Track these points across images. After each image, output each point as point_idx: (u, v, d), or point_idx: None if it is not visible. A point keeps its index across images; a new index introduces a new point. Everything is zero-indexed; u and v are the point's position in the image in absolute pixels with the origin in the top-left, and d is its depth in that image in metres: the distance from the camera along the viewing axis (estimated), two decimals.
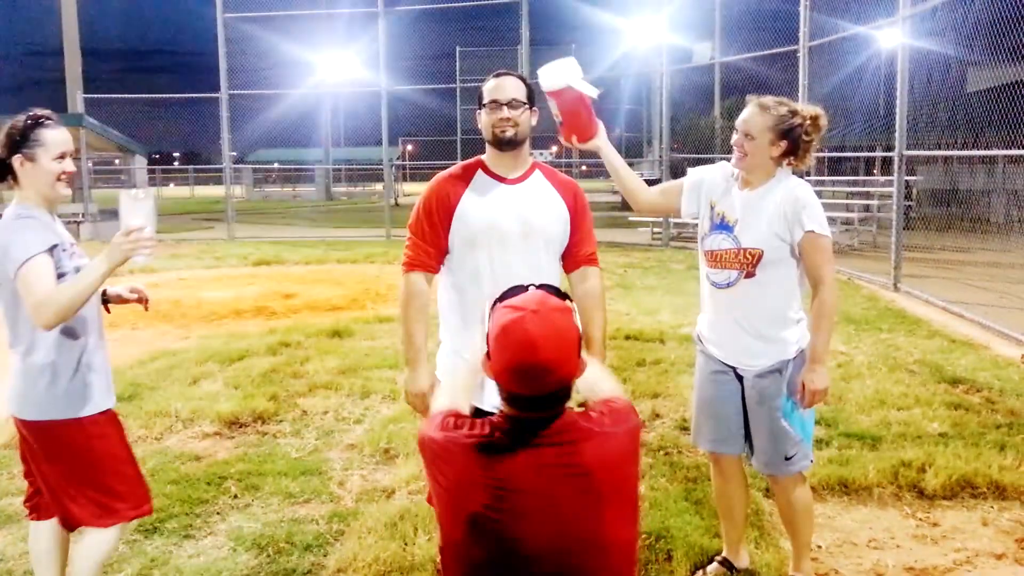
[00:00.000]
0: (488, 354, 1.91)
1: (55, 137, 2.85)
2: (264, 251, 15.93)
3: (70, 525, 3.01)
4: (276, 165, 52.44)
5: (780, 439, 3.18)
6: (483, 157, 3.05)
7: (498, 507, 1.86)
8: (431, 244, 2.98)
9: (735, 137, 3.15)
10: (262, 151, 50.92)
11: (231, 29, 19.74)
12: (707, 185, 3.29)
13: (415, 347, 2.97)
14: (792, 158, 3.15)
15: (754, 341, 3.17)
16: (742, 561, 3.51)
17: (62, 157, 2.85)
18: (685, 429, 5.21)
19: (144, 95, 21.83)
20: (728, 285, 3.18)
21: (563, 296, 1.95)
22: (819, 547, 3.76)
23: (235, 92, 19.95)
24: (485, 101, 2.96)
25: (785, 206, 3.08)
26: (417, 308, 2.97)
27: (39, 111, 2.88)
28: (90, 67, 26.40)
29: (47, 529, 3.07)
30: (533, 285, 1.97)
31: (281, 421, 5.49)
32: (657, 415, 5.51)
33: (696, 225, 3.38)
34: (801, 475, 3.31)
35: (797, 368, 3.16)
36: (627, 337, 7.73)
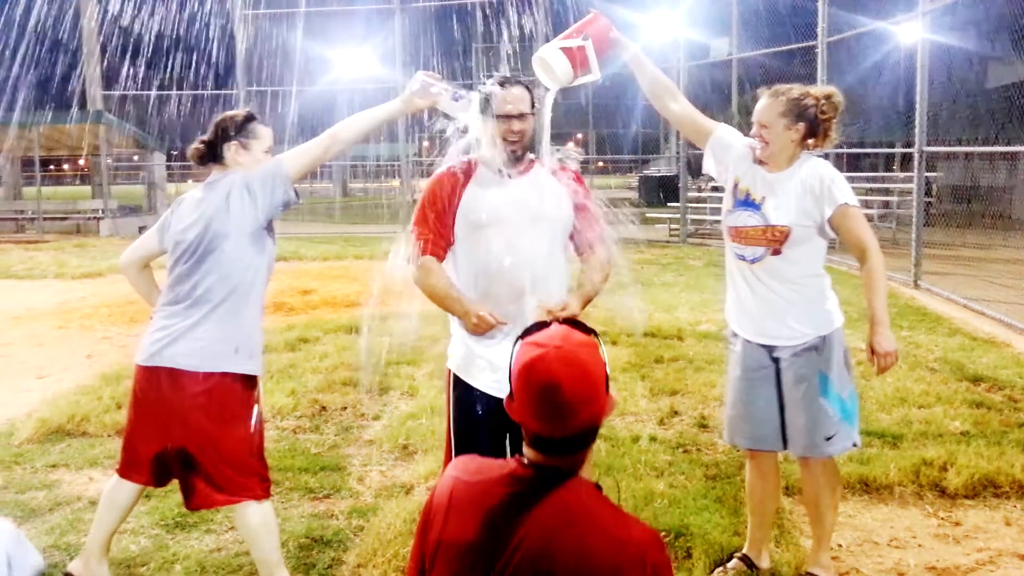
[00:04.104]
0: (511, 394, 1.82)
1: (267, 133, 3.29)
2: (281, 247, 15.85)
3: (209, 502, 3.18)
4: None
5: (819, 419, 3.17)
6: (482, 154, 3.10)
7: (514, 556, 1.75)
8: (435, 233, 3.06)
9: (754, 129, 3.18)
10: (279, 148, 51.11)
11: (249, 26, 19.81)
12: (734, 158, 3.29)
13: (455, 298, 2.99)
14: (813, 139, 3.18)
15: (791, 312, 3.17)
16: (763, 561, 3.48)
17: (268, 151, 3.27)
18: (704, 426, 5.20)
19: (163, 91, 21.87)
20: (755, 260, 3.20)
21: (588, 331, 1.87)
22: (840, 546, 3.74)
23: (253, 89, 20.02)
24: (495, 112, 3.00)
25: (811, 183, 3.11)
26: (438, 275, 3.03)
27: (250, 108, 3.34)
28: (109, 63, 26.55)
29: (133, 489, 3.28)
30: (557, 320, 1.90)
31: (300, 417, 5.51)
32: (676, 412, 5.49)
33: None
34: (834, 462, 3.30)
35: (834, 346, 3.18)
36: (645, 334, 7.71)
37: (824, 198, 3.09)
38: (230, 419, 3.09)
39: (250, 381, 3.18)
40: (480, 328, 2.91)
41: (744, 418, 3.33)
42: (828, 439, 3.18)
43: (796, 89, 3.16)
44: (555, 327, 1.85)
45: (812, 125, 3.14)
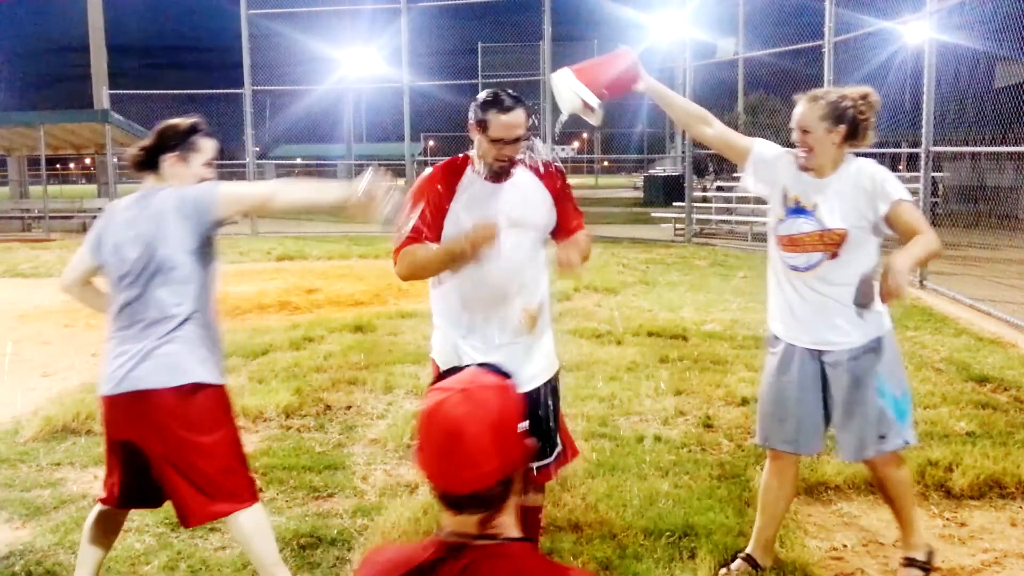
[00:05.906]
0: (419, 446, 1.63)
1: (208, 145, 3.12)
2: (287, 246, 16.01)
3: (205, 515, 3.06)
4: (299, 161, 52.77)
5: (873, 420, 3.18)
6: (471, 154, 3.13)
7: None
8: (416, 231, 3.08)
9: (795, 136, 3.19)
10: (285, 147, 51.15)
11: (255, 25, 19.85)
12: (780, 171, 3.29)
13: (445, 248, 3.00)
14: (853, 140, 3.18)
15: (845, 314, 3.17)
16: (767, 562, 3.47)
17: (208, 164, 3.12)
18: (709, 426, 5.19)
19: (169, 91, 21.89)
20: (809, 267, 3.19)
21: (504, 374, 1.67)
22: (845, 546, 3.73)
23: (259, 88, 20.06)
24: (490, 134, 2.99)
25: (863, 182, 3.13)
26: (423, 249, 3.04)
27: (196, 118, 3.14)
28: (115, 63, 26.63)
29: (114, 512, 3.21)
30: (475, 364, 1.72)
31: (305, 415, 5.52)
32: (681, 412, 5.48)
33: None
34: (896, 454, 3.30)
35: (888, 347, 3.20)
36: (649, 334, 7.70)
37: (878, 196, 3.10)
38: (212, 426, 3.01)
39: (220, 388, 3.09)
40: (481, 239, 2.85)
41: (784, 420, 3.32)
42: (881, 438, 3.20)
43: (833, 92, 3.18)
44: (467, 370, 1.67)
45: (852, 126, 3.14)
